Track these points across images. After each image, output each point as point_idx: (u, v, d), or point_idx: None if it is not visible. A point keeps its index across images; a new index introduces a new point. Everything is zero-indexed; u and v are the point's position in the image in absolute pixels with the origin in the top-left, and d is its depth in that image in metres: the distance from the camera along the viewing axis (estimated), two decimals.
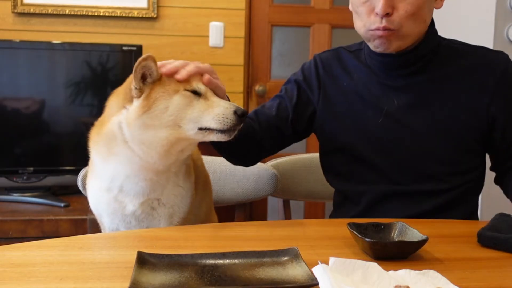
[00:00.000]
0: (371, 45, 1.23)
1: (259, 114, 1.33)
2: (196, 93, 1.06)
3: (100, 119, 1.16)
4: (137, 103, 1.05)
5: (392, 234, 0.96)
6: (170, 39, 2.84)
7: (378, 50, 1.21)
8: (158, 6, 2.84)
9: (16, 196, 2.50)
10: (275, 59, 3.16)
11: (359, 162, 1.28)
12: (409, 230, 0.94)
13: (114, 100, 1.12)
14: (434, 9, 1.23)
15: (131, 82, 1.07)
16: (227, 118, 1.05)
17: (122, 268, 0.81)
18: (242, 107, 1.07)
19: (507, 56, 1.26)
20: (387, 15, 1.14)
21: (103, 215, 1.18)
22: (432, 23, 1.25)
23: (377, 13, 1.15)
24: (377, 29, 1.16)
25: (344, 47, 1.39)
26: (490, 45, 2.10)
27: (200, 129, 1.06)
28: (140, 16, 2.81)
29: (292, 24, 3.14)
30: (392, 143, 1.25)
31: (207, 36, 2.90)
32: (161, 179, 1.13)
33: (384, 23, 1.15)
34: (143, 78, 1.05)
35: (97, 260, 0.86)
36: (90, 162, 1.19)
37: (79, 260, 0.85)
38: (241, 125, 1.07)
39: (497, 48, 2.04)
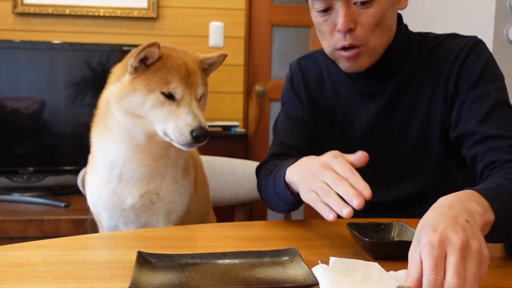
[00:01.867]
0: (341, 66, 1.17)
1: (289, 148, 1.26)
2: (172, 96, 1.07)
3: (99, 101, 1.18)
4: (126, 78, 1.09)
5: (392, 234, 0.96)
6: (170, 39, 2.84)
7: (349, 71, 1.16)
8: (158, 6, 2.84)
9: (16, 196, 2.50)
10: (275, 59, 3.16)
11: None
12: (409, 230, 0.94)
13: (117, 68, 1.15)
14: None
15: (126, 60, 1.10)
16: (182, 135, 1.05)
17: (122, 268, 0.81)
18: (203, 127, 1.05)
19: (472, 41, 1.17)
20: (349, 30, 1.07)
21: (102, 211, 1.18)
22: (400, 20, 1.20)
23: (339, 30, 1.08)
24: (342, 47, 1.10)
25: (318, 51, 1.34)
26: (490, 45, 2.10)
27: (165, 133, 1.08)
28: (140, 16, 2.81)
29: (292, 24, 3.15)
30: (370, 148, 1.20)
31: (207, 36, 2.90)
32: (159, 165, 1.14)
33: (348, 40, 1.08)
34: (144, 59, 1.08)
35: (97, 260, 0.85)
36: (91, 155, 1.20)
37: (79, 260, 0.85)
38: (201, 143, 1.06)
39: (497, 49, 2.04)
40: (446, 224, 0.69)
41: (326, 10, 1.09)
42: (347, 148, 1.22)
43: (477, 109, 1.10)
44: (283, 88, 1.37)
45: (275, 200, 1.13)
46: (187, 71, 1.10)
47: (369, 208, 1.22)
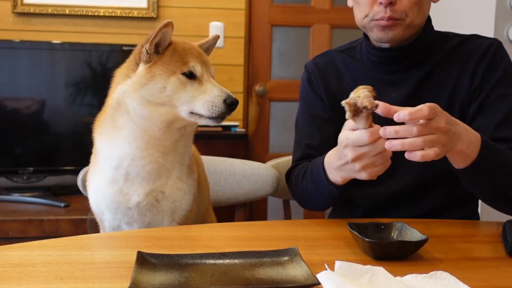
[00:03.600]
0: (373, 35, 1.21)
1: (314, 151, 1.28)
2: (192, 75, 1.10)
3: (105, 103, 1.19)
4: (141, 68, 1.10)
5: (392, 234, 0.96)
6: None
7: (382, 41, 1.20)
8: (158, 6, 2.84)
9: (16, 196, 2.50)
10: (275, 59, 3.16)
11: None
12: (409, 230, 0.94)
13: (119, 71, 1.17)
14: (434, 7, 1.23)
15: (137, 52, 1.12)
16: (216, 106, 1.08)
17: (122, 268, 0.81)
18: (233, 96, 1.10)
19: (497, 41, 1.25)
20: (390, 4, 1.13)
21: (105, 212, 1.18)
22: (429, 17, 1.26)
23: (381, 3, 1.14)
24: (382, 19, 1.15)
25: (332, 49, 1.39)
26: None
27: (191, 113, 1.10)
28: (140, 16, 2.81)
29: (292, 24, 3.15)
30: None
31: (207, 36, 2.89)
32: (167, 162, 1.14)
33: (388, 12, 1.14)
34: (157, 45, 1.10)
35: (97, 260, 0.85)
36: (93, 156, 1.19)
37: (79, 260, 0.85)
38: (230, 113, 1.10)
39: None
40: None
41: None
42: None
43: (498, 108, 1.18)
44: (300, 89, 1.39)
45: (319, 200, 1.20)
46: (198, 52, 1.15)
47: (388, 198, 1.24)
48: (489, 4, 2.28)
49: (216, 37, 1.24)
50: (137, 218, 1.15)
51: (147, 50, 1.09)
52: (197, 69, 1.11)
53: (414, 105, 1.22)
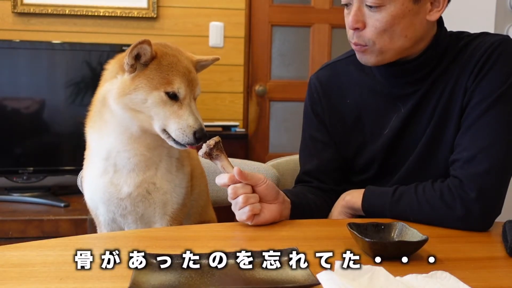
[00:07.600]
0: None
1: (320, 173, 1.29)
2: (175, 96, 1.10)
3: (94, 96, 1.19)
4: (126, 77, 1.10)
5: (392, 234, 0.96)
6: (170, 39, 2.84)
7: (362, 62, 1.19)
8: (158, 6, 2.84)
9: (16, 196, 2.51)
10: (275, 59, 3.16)
11: (371, 174, 1.25)
12: (409, 230, 0.94)
13: (111, 65, 1.16)
14: None
15: (124, 55, 1.10)
16: (186, 136, 1.09)
17: (122, 268, 0.81)
18: (204, 129, 1.11)
19: (500, 38, 1.15)
20: (357, 29, 1.12)
21: (99, 205, 1.19)
22: (441, 24, 1.20)
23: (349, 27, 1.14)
24: (353, 43, 1.16)
25: (339, 58, 1.33)
26: None
27: (164, 130, 1.10)
28: (140, 16, 2.82)
29: (292, 24, 3.15)
30: (400, 151, 1.21)
31: (207, 36, 2.90)
32: (154, 155, 1.16)
33: (354, 38, 1.13)
34: (137, 57, 1.09)
35: (97, 260, 0.85)
36: (86, 151, 1.21)
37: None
38: (197, 144, 1.11)
39: None
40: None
41: (347, 5, 1.14)
42: (378, 154, 1.23)
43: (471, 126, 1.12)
44: (304, 104, 1.36)
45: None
46: (186, 69, 1.13)
47: None
48: (489, 4, 2.28)
49: (216, 59, 1.24)
50: (130, 210, 1.17)
51: (127, 62, 1.08)
52: (181, 91, 1.10)
53: (419, 114, 1.18)
